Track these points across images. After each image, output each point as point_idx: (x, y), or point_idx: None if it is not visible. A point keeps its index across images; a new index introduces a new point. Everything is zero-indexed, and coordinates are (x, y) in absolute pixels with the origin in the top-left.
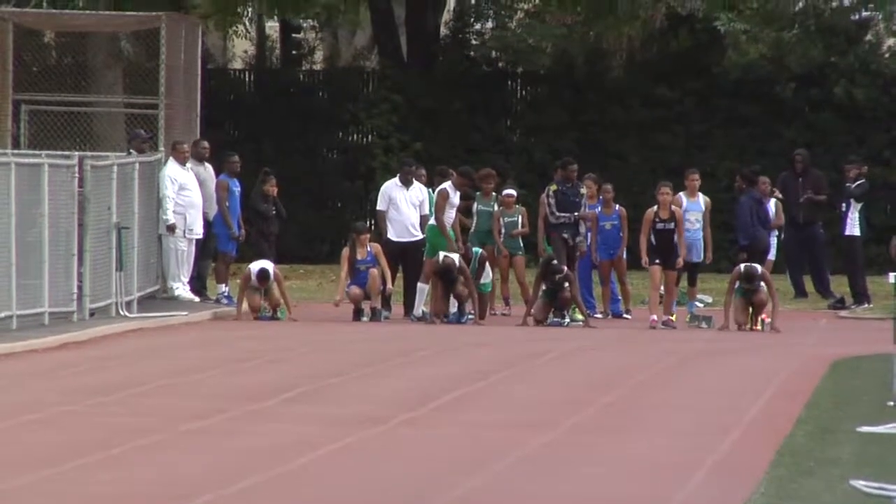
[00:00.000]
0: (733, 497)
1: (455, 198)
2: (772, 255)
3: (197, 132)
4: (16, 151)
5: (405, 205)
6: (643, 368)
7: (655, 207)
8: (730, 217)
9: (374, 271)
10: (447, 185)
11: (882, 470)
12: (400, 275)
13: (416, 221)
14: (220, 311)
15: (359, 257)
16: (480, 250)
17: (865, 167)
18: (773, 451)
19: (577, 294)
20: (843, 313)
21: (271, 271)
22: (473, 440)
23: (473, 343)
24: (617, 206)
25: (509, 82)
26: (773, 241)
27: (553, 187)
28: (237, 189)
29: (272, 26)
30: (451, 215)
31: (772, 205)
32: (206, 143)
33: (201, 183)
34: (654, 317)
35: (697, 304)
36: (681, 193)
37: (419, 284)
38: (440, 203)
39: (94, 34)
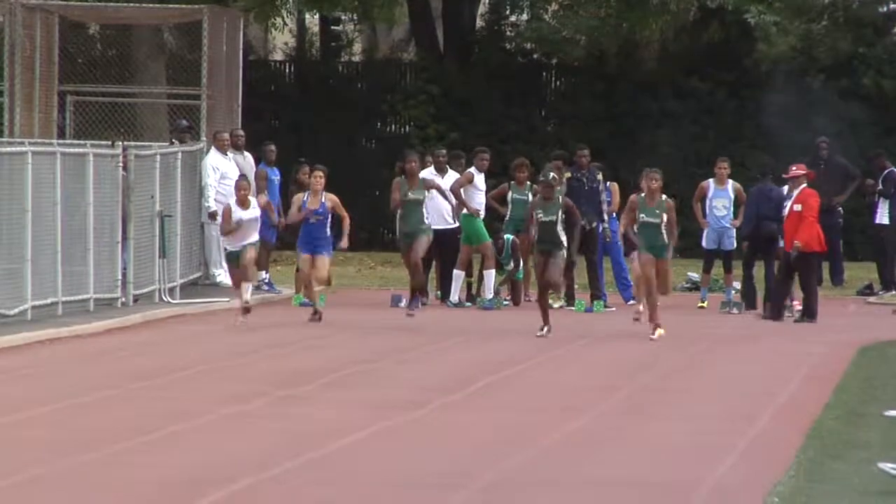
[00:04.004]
0: (764, 479)
1: (479, 180)
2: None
3: (238, 122)
4: (61, 141)
5: (438, 193)
6: (673, 354)
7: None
8: None
9: (323, 273)
10: (472, 168)
11: None
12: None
13: (451, 209)
14: (261, 298)
15: (310, 207)
16: (512, 237)
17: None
18: (803, 435)
19: (558, 279)
20: (871, 300)
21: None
22: (507, 424)
23: (507, 330)
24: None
25: (544, 73)
26: None
27: (567, 174)
28: (276, 178)
29: (312, 19)
30: (479, 200)
31: None
32: (241, 132)
33: (241, 171)
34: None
35: (732, 290)
36: (710, 180)
37: (455, 271)
38: (461, 180)
39: (138, 26)
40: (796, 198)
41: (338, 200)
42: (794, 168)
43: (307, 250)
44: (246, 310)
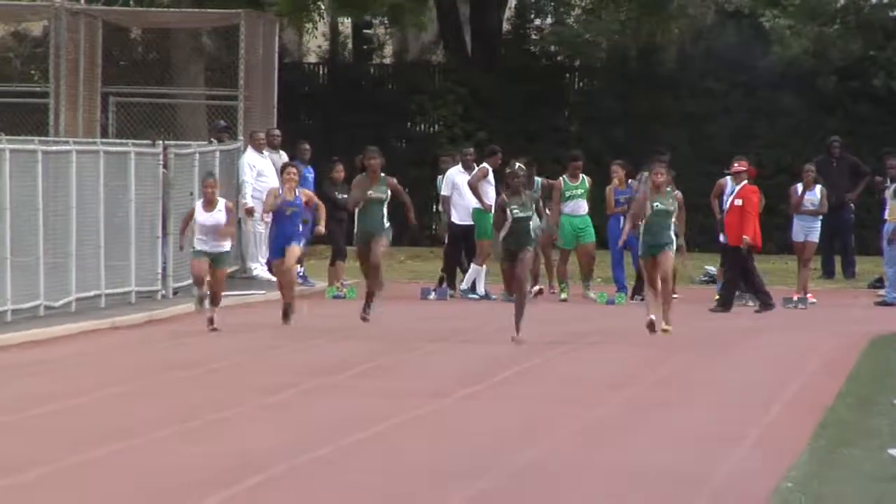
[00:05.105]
0: (777, 466)
1: (492, 176)
2: (815, 238)
3: (274, 122)
4: (104, 140)
5: (468, 189)
6: (689, 345)
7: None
8: (775, 202)
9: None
10: (485, 164)
11: None
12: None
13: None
14: (297, 290)
15: (287, 198)
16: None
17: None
18: (816, 423)
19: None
20: (881, 292)
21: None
22: (531, 414)
23: (530, 321)
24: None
25: (567, 75)
26: (818, 225)
27: (646, 173)
28: (310, 175)
29: (344, 23)
30: (492, 195)
31: (817, 191)
32: (277, 131)
33: (277, 170)
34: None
35: None
36: (727, 178)
37: (474, 265)
38: (478, 174)
39: (178, 30)
40: (737, 193)
41: (311, 194)
42: (735, 164)
43: (279, 253)
44: (211, 320)
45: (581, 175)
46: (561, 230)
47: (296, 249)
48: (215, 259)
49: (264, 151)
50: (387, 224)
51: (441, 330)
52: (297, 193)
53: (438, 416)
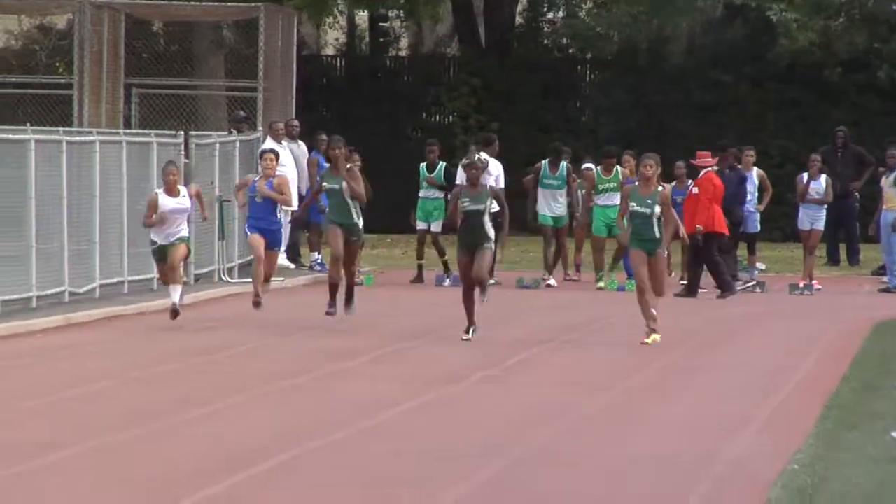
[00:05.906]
0: (785, 449)
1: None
2: (820, 227)
3: (292, 113)
4: (127, 131)
5: None
6: (698, 332)
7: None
8: (783, 191)
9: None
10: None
11: None
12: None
13: None
14: (313, 278)
15: (260, 183)
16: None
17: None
18: (821, 407)
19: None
20: (885, 279)
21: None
22: (541, 399)
23: (541, 308)
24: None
25: (578, 67)
26: (823, 214)
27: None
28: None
29: (361, 16)
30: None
31: (823, 181)
32: (295, 122)
33: (295, 159)
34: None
35: (755, 271)
36: (738, 167)
37: None
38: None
39: (199, 23)
40: (696, 181)
41: (285, 181)
42: (699, 155)
43: (256, 230)
44: (174, 313)
45: (616, 168)
46: (594, 219)
47: (276, 257)
48: (172, 244)
49: (283, 141)
50: (357, 220)
51: (455, 316)
52: (271, 180)
53: (452, 400)
